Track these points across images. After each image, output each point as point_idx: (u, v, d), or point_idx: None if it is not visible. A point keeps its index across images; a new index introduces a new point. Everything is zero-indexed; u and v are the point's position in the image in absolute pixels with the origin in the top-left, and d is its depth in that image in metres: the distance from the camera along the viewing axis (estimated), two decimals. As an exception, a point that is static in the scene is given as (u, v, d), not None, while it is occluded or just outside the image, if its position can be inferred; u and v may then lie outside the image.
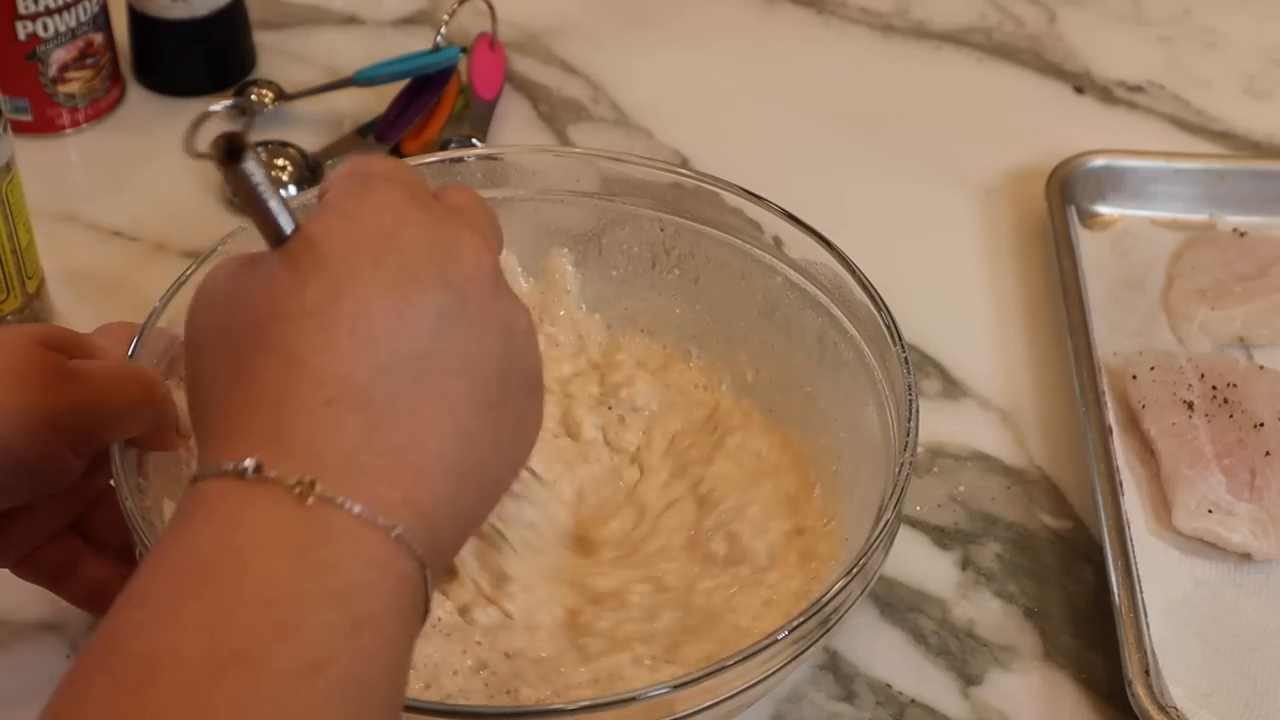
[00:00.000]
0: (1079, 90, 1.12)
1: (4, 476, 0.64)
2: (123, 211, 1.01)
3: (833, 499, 0.78)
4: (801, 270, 0.81)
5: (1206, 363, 0.88)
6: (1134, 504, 0.83)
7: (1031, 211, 1.01)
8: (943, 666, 0.78)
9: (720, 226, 0.83)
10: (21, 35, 1.00)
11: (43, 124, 1.04)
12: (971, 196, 1.04)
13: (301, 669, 0.44)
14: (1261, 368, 0.89)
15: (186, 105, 1.08)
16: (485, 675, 0.71)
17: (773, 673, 0.66)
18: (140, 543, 0.66)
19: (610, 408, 0.83)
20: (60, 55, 1.02)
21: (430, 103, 1.04)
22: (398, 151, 1.02)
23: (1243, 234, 0.98)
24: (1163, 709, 0.73)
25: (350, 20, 1.16)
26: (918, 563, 0.82)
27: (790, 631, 0.64)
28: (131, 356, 0.71)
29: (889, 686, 0.77)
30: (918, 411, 0.72)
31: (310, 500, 0.47)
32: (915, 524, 0.84)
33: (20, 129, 1.00)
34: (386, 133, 1.03)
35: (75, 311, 0.93)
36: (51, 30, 1.00)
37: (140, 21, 1.07)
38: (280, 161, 1.01)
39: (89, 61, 1.03)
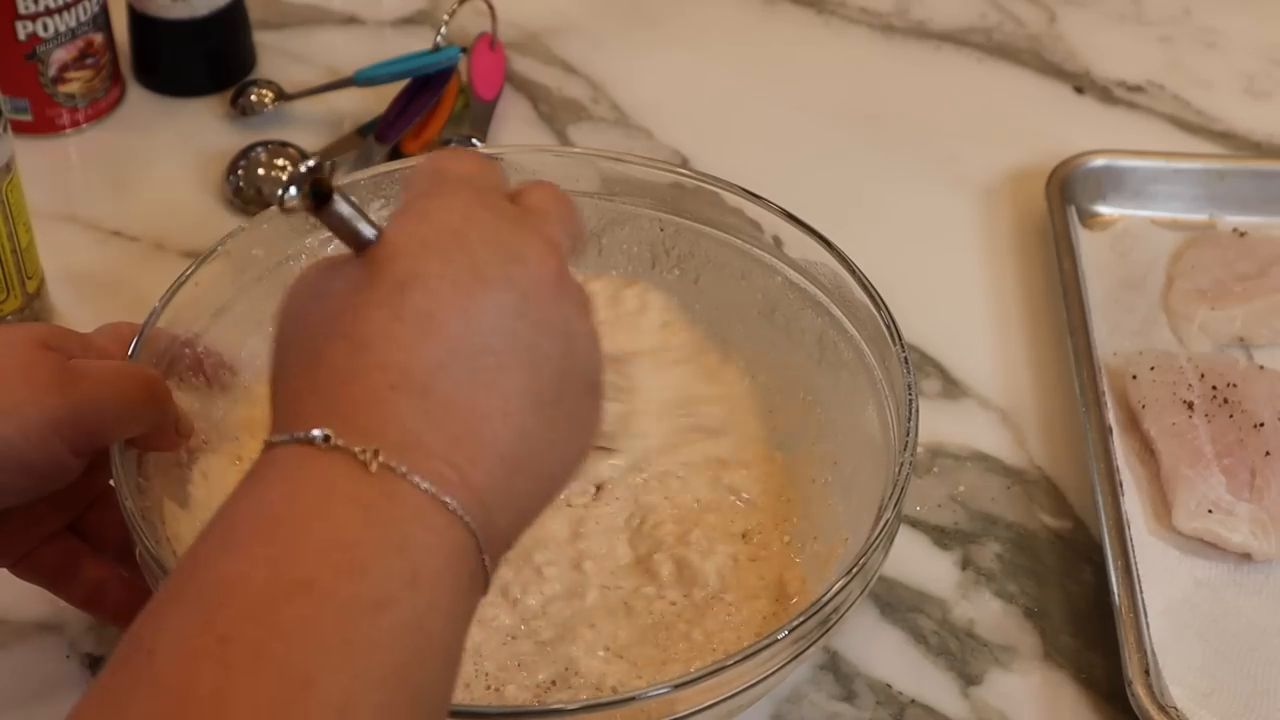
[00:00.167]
0: (1079, 90, 1.12)
1: (4, 476, 0.64)
2: (123, 211, 1.01)
3: (813, 518, 0.78)
4: (801, 270, 0.81)
5: (1206, 363, 0.88)
6: (1134, 504, 0.83)
7: (1031, 211, 1.01)
8: (943, 666, 0.78)
9: (720, 226, 0.83)
10: (21, 35, 1.00)
11: (43, 124, 1.04)
12: (971, 196, 1.04)
13: (364, 605, 0.47)
14: (1261, 368, 0.89)
15: (186, 105, 1.08)
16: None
17: (773, 673, 0.66)
18: (140, 543, 0.66)
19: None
20: (60, 55, 1.02)
21: (430, 103, 1.04)
22: (397, 152, 1.02)
23: (1243, 234, 0.98)
24: (1163, 709, 0.73)
25: (350, 20, 1.16)
26: (918, 563, 0.82)
27: (790, 631, 0.64)
28: (131, 356, 0.71)
29: (889, 686, 0.77)
30: (918, 411, 0.72)
31: (375, 467, 0.49)
32: (915, 524, 0.84)
33: (20, 129, 1.00)
34: (386, 133, 1.03)
35: (75, 311, 0.93)
36: (51, 30, 1.00)
37: (140, 21, 1.07)
38: (280, 161, 1.01)
39: (89, 61, 1.03)
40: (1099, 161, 1.00)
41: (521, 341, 0.52)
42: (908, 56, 1.15)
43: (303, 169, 0.49)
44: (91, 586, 0.72)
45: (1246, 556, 0.81)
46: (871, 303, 0.77)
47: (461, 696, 0.70)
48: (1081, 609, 0.81)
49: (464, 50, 1.07)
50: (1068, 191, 0.99)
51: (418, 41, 1.11)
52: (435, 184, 0.55)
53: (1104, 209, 1.01)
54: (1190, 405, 0.86)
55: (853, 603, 0.68)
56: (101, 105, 1.06)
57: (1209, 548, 0.82)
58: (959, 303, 0.97)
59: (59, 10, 1.00)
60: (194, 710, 0.44)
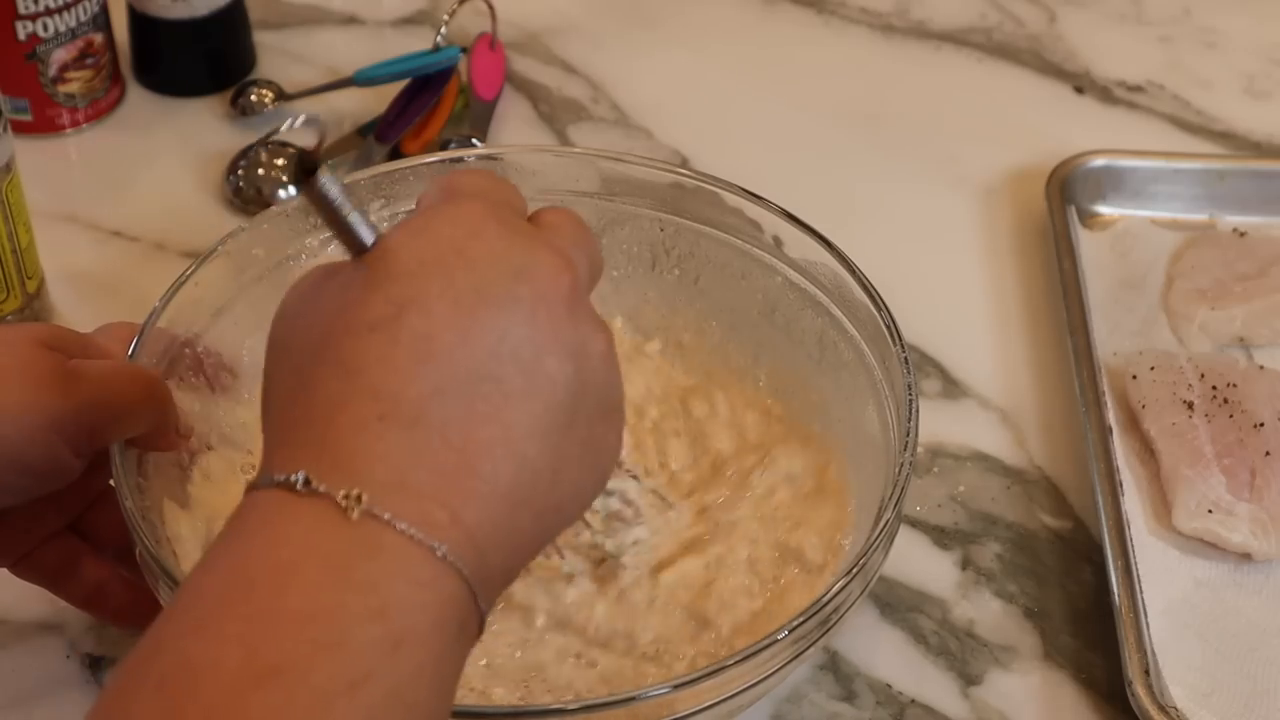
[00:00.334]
0: (1079, 90, 1.12)
1: (4, 475, 0.64)
2: (123, 211, 1.01)
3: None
4: (801, 270, 0.81)
5: (1206, 363, 0.88)
6: (1134, 504, 0.83)
7: (1031, 211, 1.01)
8: (943, 666, 0.78)
9: (720, 226, 0.83)
10: (21, 35, 1.00)
11: (43, 124, 1.04)
12: (971, 196, 1.04)
13: (340, 685, 0.44)
14: (1261, 368, 0.89)
15: (186, 105, 1.08)
16: None
17: (773, 673, 0.66)
18: (140, 543, 0.66)
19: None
20: (60, 55, 1.02)
21: (430, 103, 1.04)
22: (397, 152, 1.02)
23: (1243, 234, 0.98)
24: (1163, 709, 0.73)
25: (350, 20, 1.16)
26: (918, 563, 0.82)
27: (790, 631, 0.64)
28: (131, 356, 0.71)
29: (889, 686, 0.77)
30: (918, 411, 0.72)
31: (356, 515, 0.46)
32: (915, 524, 0.84)
33: (20, 129, 1.00)
34: (386, 133, 1.03)
35: (75, 311, 0.93)
36: (51, 30, 1.00)
37: (140, 21, 1.07)
38: (280, 161, 1.01)
39: (89, 61, 1.03)
40: (1099, 161, 1.00)
41: (527, 364, 0.50)
42: (908, 56, 1.15)
43: (299, 122, 0.48)
44: (92, 586, 0.72)
45: (1246, 556, 0.81)
46: (871, 303, 0.77)
47: None
48: (1081, 609, 0.81)
49: (464, 50, 1.07)
50: (1068, 191, 0.99)
51: (418, 41, 1.11)
52: (446, 197, 0.53)
53: (1104, 209, 1.01)
54: (1190, 405, 0.86)
55: (853, 603, 0.68)
56: (101, 105, 1.06)
57: (1209, 548, 0.82)
58: (959, 303, 0.97)
59: (59, 10, 1.00)
60: None
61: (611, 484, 0.73)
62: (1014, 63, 1.15)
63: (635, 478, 0.76)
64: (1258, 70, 1.14)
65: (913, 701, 0.77)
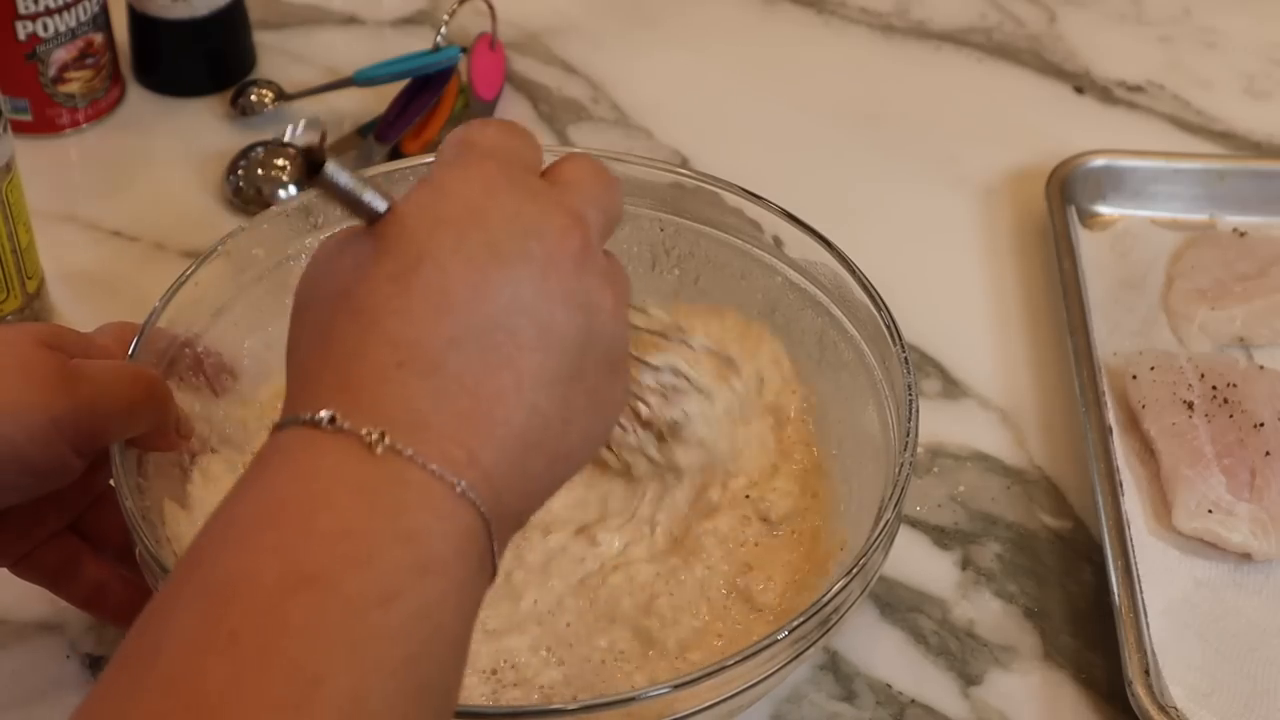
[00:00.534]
0: (1079, 90, 1.12)
1: (6, 474, 0.64)
2: (123, 211, 1.01)
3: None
4: (801, 270, 0.81)
5: (1206, 363, 0.88)
6: (1134, 504, 0.83)
7: (1031, 211, 1.01)
8: (943, 666, 0.78)
9: (720, 226, 0.83)
10: (21, 35, 1.00)
11: (43, 124, 1.04)
12: (971, 196, 1.04)
13: (372, 598, 0.46)
14: (1261, 368, 0.89)
15: (186, 105, 1.08)
16: None
17: (773, 673, 0.66)
18: (140, 543, 0.66)
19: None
20: (60, 55, 1.02)
21: (430, 103, 1.04)
22: (397, 152, 1.02)
23: (1243, 234, 0.98)
24: (1163, 709, 0.73)
25: (350, 20, 1.16)
26: (918, 563, 0.82)
27: (790, 631, 0.64)
28: (131, 356, 0.71)
29: (889, 686, 0.77)
30: (918, 411, 0.72)
31: (380, 450, 0.48)
32: (915, 524, 0.84)
33: (20, 129, 1.00)
34: (386, 133, 1.03)
35: (75, 311, 0.93)
36: (51, 30, 1.00)
37: (140, 21, 1.07)
38: (280, 161, 1.01)
39: (89, 61, 1.03)
40: (1099, 161, 1.00)
41: (538, 318, 0.52)
42: (908, 56, 1.15)
43: (300, 129, 0.49)
44: (92, 586, 0.72)
45: (1246, 556, 0.81)
46: (871, 303, 0.77)
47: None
48: (1081, 609, 0.81)
49: (464, 50, 1.07)
50: (1068, 191, 0.99)
51: (418, 41, 1.11)
52: (459, 155, 0.55)
53: (1104, 209, 1.01)
54: (1190, 405, 0.86)
55: (853, 603, 0.68)
56: (101, 105, 1.06)
57: (1209, 548, 0.82)
58: (959, 303, 0.97)
59: (59, 10, 1.00)
60: (202, 708, 0.44)
61: (658, 359, 0.73)
62: (1014, 63, 1.15)
63: (686, 344, 0.74)
64: (1258, 70, 1.14)
65: (913, 701, 0.77)
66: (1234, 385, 0.86)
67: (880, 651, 0.79)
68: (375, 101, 1.06)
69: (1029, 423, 0.90)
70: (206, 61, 1.09)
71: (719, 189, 0.82)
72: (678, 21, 1.18)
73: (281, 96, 1.07)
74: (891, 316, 0.76)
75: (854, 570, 0.66)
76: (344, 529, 0.47)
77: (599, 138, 1.07)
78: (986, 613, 0.81)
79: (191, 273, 0.76)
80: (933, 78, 1.14)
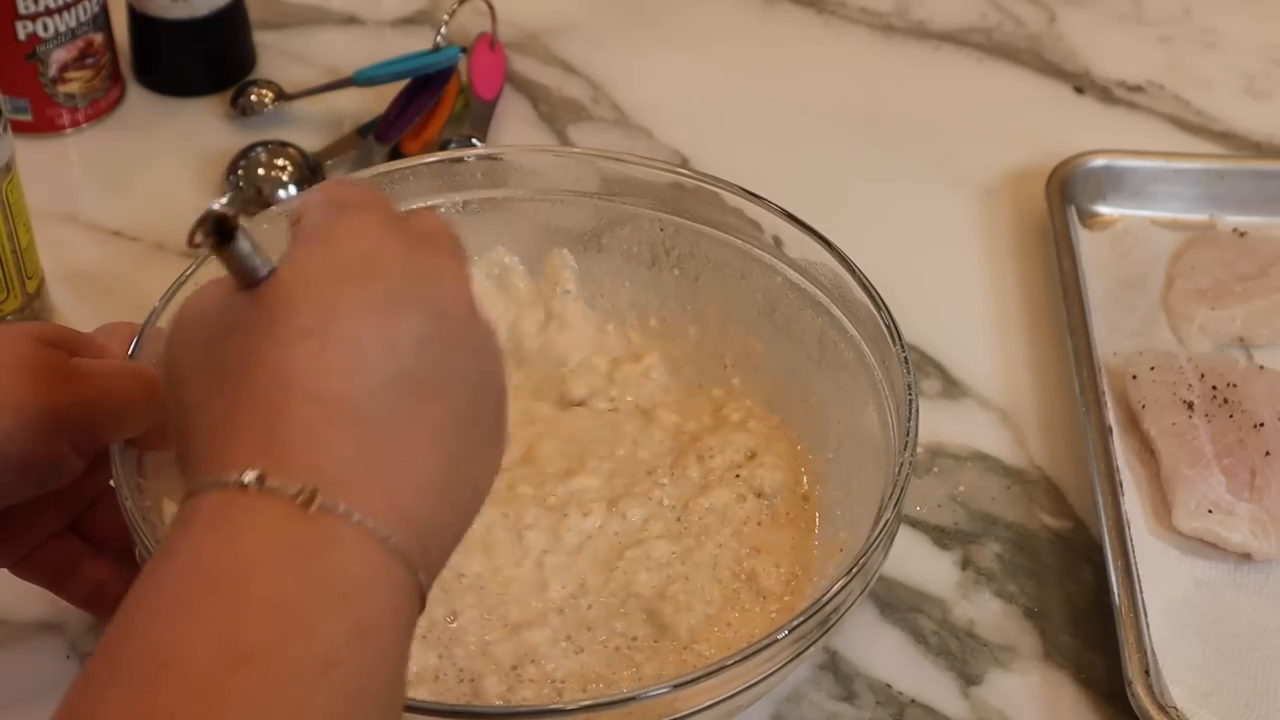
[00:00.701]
0: (1079, 90, 1.12)
1: (6, 473, 0.64)
2: (123, 211, 1.01)
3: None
4: (801, 270, 0.81)
5: (1206, 363, 0.88)
6: (1134, 504, 0.83)
7: (1031, 211, 1.01)
8: (943, 666, 0.78)
9: (720, 226, 0.83)
10: (21, 35, 1.00)
11: (43, 124, 1.04)
12: (971, 196, 1.04)
13: (314, 669, 0.46)
14: (1261, 368, 0.89)
15: (186, 105, 1.08)
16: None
17: (773, 673, 0.66)
18: (140, 543, 0.66)
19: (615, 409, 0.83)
20: (60, 55, 1.02)
21: (430, 103, 1.04)
22: (397, 152, 1.02)
23: (1243, 234, 0.98)
24: (1163, 709, 0.73)
25: (350, 20, 1.16)
26: (918, 563, 0.82)
27: (790, 631, 0.64)
28: (131, 356, 0.71)
29: (889, 686, 0.77)
30: (918, 411, 0.72)
31: (313, 509, 0.48)
32: (915, 524, 0.84)
33: (20, 129, 1.00)
34: (386, 133, 1.03)
35: (75, 311, 0.93)
36: (51, 30, 1.00)
37: (140, 21, 1.07)
38: (280, 161, 1.01)
39: (89, 61, 1.03)
40: (1099, 161, 1.00)
41: (439, 365, 0.52)
42: (908, 56, 1.15)
43: (215, 207, 0.50)
44: (92, 586, 0.72)
45: (1246, 556, 0.81)
46: (871, 303, 0.77)
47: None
48: (1081, 609, 0.81)
49: (464, 50, 1.07)
50: (1068, 191, 0.99)
51: (418, 41, 1.11)
52: (337, 211, 0.55)
53: (1104, 209, 1.01)
54: (1190, 405, 0.86)
55: (853, 603, 0.68)
56: (101, 105, 1.06)
57: (1209, 548, 0.82)
58: (959, 303, 0.97)
59: (59, 10, 1.00)
60: None
61: None
62: (1014, 63, 1.15)
63: None
64: (1258, 70, 1.14)
65: (913, 701, 0.77)
66: (1234, 385, 0.86)
67: (880, 651, 0.79)
68: (375, 101, 1.06)
69: (1029, 423, 0.90)
70: (206, 61, 1.09)
71: (719, 189, 0.82)
72: (678, 21, 1.18)
73: (281, 96, 1.07)
74: (891, 316, 0.76)
75: (854, 570, 0.66)
76: (279, 597, 0.46)
77: (599, 138, 1.07)
78: (986, 613, 0.80)
79: (191, 273, 0.76)
80: (933, 78, 1.14)
